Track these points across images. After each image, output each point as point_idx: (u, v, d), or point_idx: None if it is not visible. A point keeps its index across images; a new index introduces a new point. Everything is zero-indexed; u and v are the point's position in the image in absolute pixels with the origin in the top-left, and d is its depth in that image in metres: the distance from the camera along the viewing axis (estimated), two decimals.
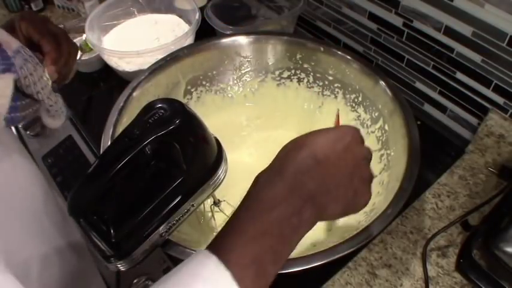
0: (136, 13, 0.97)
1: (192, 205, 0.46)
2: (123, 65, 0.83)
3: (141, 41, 0.89)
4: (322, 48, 0.74)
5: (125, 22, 0.95)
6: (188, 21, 0.92)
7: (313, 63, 0.76)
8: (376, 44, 0.84)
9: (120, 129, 0.62)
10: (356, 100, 0.73)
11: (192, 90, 0.77)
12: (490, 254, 0.57)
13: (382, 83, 0.67)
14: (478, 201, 0.67)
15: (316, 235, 0.62)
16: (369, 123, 0.71)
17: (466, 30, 0.67)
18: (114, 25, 0.94)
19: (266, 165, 0.71)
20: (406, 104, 0.64)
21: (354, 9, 0.84)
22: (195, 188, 0.45)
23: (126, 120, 0.64)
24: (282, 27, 0.93)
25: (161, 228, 0.44)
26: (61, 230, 0.49)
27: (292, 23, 0.95)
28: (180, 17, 0.95)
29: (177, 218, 0.44)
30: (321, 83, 0.78)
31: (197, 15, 0.86)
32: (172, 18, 0.95)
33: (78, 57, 0.88)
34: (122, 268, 0.42)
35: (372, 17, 0.81)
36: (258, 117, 0.79)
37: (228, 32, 0.84)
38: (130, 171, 0.39)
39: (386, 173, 0.62)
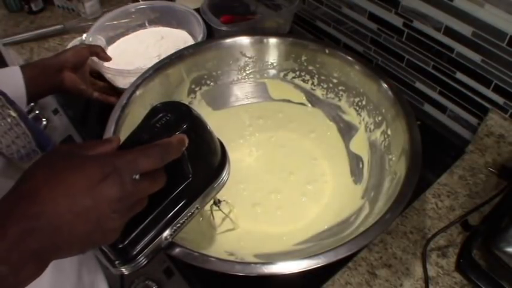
0: (147, 24, 0.94)
1: (197, 208, 0.46)
2: (120, 80, 0.81)
3: (141, 56, 0.87)
4: (327, 51, 0.74)
5: (132, 34, 0.93)
6: (196, 39, 0.88)
7: (318, 66, 0.76)
8: (376, 44, 0.84)
9: (122, 127, 0.62)
10: (360, 104, 0.73)
11: (196, 89, 0.77)
12: (490, 254, 0.57)
13: (386, 86, 0.67)
14: (478, 201, 0.67)
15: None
16: (372, 127, 0.71)
17: (466, 30, 0.67)
18: (121, 35, 0.92)
19: (266, 166, 0.72)
20: (409, 108, 0.63)
21: (354, 9, 0.84)
22: (200, 190, 0.46)
23: (129, 119, 0.64)
24: (279, 25, 0.93)
25: (166, 232, 0.44)
26: None
27: (288, 21, 0.95)
28: (190, 33, 0.92)
29: (181, 221, 0.45)
30: (325, 86, 0.78)
31: (202, 34, 0.83)
32: (180, 33, 0.93)
33: None
34: (125, 272, 0.42)
35: (372, 17, 0.81)
36: (261, 117, 0.79)
37: (223, 29, 0.84)
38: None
39: (387, 178, 0.62)
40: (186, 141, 0.40)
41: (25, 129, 0.44)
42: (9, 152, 0.43)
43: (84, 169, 0.34)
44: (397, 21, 0.77)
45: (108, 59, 0.78)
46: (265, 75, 0.80)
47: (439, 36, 0.72)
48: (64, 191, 0.33)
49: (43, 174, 0.34)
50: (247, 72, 0.80)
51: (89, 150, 0.37)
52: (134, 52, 0.89)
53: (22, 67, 0.65)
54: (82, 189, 0.33)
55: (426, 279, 0.59)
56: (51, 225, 0.32)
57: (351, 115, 0.75)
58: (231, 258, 0.55)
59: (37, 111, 0.87)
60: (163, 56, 0.84)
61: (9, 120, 0.43)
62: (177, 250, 0.48)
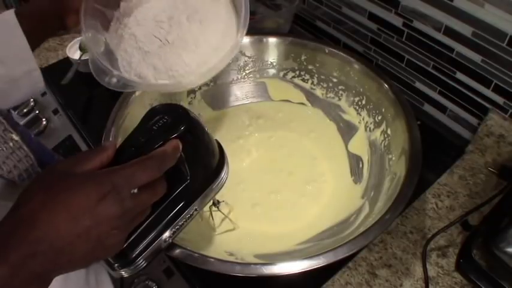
0: None
1: (196, 209, 0.46)
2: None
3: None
4: (326, 50, 0.74)
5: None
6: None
7: (317, 65, 0.77)
8: (376, 44, 0.84)
9: (121, 127, 0.62)
10: (360, 103, 0.73)
11: (196, 89, 0.77)
12: (490, 254, 0.57)
13: (386, 86, 0.67)
14: (478, 201, 0.67)
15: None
16: (372, 126, 0.71)
17: (466, 30, 0.67)
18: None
19: (265, 166, 0.72)
20: (409, 108, 0.64)
21: (354, 9, 0.84)
22: (199, 192, 0.46)
23: (128, 119, 0.64)
24: (279, 25, 0.93)
25: (165, 234, 0.44)
26: None
27: (288, 21, 0.95)
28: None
29: (180, 223, 0.45)
30: (325, 85, 0.78)
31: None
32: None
33: (78, 57, 0.89)
34: (125, 275, 0.42)
35: (372, 17, 0.81)
36: (260, 117, 0.79)
37: None
38: None
39: (387, 178, 0.62)
40: (180, 146, 0.40)
41: (28, 152, 0.43)
42: (10, 176, 0.42)
43: (82, 189, 0.33)
44: (397, 21, 0.77)
45: None
46: (265, 74, 0.80)
47: (439, 36, 0.72)
48: (63, 213, 0.32)
49: (40, 197, 0.33)
50: (247, 71, 0.80)
51: (85, 164, 0.36)
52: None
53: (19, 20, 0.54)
54: (81, 210, 0.33)
55: (426, 279, 0.59)
56: (52, 248, 0.32)
57: (350, 115, 0.75)
58: (231, 258, 0.55)
59: (37, 111, 0.87)
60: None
61: (11, 144, 0.42)
62: (177, 251, 0.48)
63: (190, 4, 0.55)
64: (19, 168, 0.42)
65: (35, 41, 0.56)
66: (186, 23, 0.54)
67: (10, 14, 0.53)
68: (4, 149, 0.41)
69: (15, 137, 0.42)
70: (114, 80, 0.56)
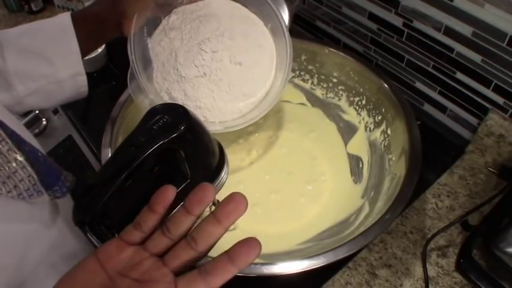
0: None
1: None
2: None
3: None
4: (326, 50, 0.74)
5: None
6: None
7: (317, 65, 0.77)
8: (376, 44, 0.84)
9: (121, 128, 0.62)
10: (360, 103, 0.73)
11: None
12: (490, 254, 0.57)
13: (386, 86, 0.67)
14: (478, 201, 0.67)
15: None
16: (372, 126, 0.71)
17: (466, 30, 0.67)
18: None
19: (265, 166, 0.71)
20: (409, 108, 0.64)
21: (354, 9, 0.84)
22: None
23: (128, 119, 0.63)
24: None
25: None
26: (67, 237, 0.49)
27: (288, 21, 0.95)
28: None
29: None
30: (325, 85, 0.78)
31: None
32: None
33: None
34: None
35: (372, 17, 0.81)
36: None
37: None
38: (135, 178, 0.39)
39: (387, 178, 0.62)
40: None
41: (31, 172, 0.41)
42: (10, 196, 0.40)
43: None
44: (397, 21, 0.77)
45: None
46: None
47: (439, 36, 0.72)
48: None
49: None
50: None
51: None
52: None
53: (74, 25, 0.54)
54: None
55: (426, 279, 0.59)
56: None
57: (350, 115, 0.75)
58: None
59: (37, 111, 0.87)
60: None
61: (14, 164, 0.40)
62: None
63: (237, 43, 0.56)
64: (20, 188, 0.41)
65: (91, 45, 0.57)
66: (227, 62, 0.55)
67: (66, 16, 0.55)
68: (6, 168, 0.40)
69: (19, 157, 0.41)
70: (147, 102, 0.57)
